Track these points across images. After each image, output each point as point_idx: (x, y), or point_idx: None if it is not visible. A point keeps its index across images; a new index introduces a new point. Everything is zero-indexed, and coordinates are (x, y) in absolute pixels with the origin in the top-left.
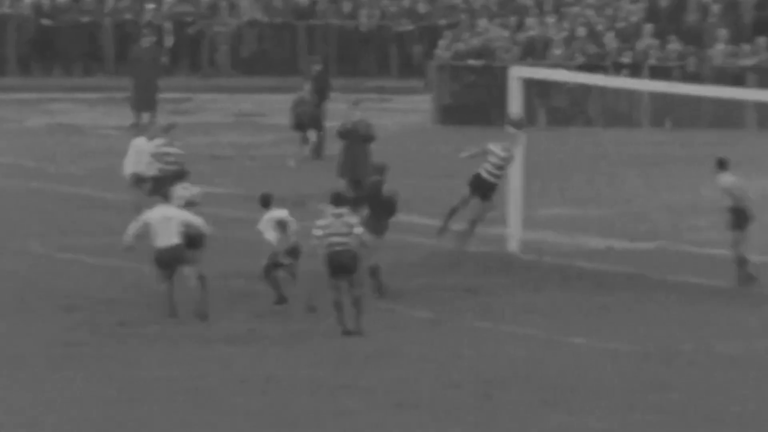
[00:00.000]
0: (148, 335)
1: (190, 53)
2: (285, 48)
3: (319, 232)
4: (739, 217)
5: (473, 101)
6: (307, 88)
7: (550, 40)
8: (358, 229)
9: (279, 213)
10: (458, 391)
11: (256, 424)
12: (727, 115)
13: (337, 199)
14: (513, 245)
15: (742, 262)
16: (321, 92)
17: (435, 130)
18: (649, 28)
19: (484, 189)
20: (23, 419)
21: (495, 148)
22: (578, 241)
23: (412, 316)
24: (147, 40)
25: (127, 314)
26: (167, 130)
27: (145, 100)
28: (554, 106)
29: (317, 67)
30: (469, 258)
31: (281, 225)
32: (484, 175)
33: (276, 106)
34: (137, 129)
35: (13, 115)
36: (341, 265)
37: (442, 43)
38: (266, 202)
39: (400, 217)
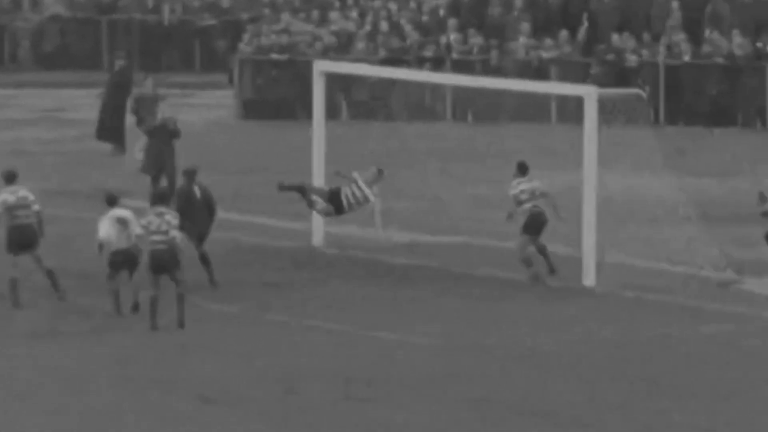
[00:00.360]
0: None
1: None
2: (88, 43)
3: (140, 231)
4: (532, 222)
5: (277, 96)
6: (148, 84)
7: (353, 34)
8: (174, 232)
9: (121, 212)
10: (262, 385)
11: (58, 420)
12: (529, 109)
13: (159, 198)
14: (317, 239)
15: (528, 263)
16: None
17: (239, 125)
18: (452, 22)
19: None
20: None
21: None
22: (383, 234)
23: (216, 310)
24: None
25: None
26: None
27: None
28: (357, 100)
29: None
30: (274, 252)
31: (122, 223)
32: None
33: (79, 101)
34: None
35: None
36: (161, 262)
37: (245, 37)
38: (111, 201)
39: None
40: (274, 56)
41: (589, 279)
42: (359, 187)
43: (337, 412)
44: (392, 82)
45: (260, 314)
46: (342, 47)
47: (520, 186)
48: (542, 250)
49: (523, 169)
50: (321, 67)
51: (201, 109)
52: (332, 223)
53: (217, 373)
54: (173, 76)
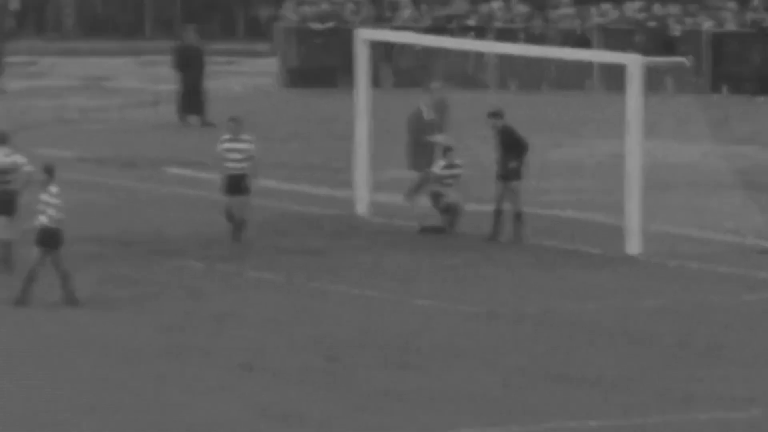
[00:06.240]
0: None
1: (36, 16)
2: (131, 11)
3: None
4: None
5: (320, 64)
6: (190, 34)
7: (398, 2)
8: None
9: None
10: (304, 353)
11: (99, 389)
12: (572, 77)
13: (49, 171)
14: (361, 208)
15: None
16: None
17: (282, 92)
18: None
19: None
20: None
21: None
22: (426, 202)
23: (256, 277)
24: None
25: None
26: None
27: None
28: (401, 68)
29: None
30: (316, 220)
31: None
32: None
33: (122, 69)
34: None
35: None
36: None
37: (288, 5)
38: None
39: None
40: (318, 25)
41: (632, 247)
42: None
43: (378, 380)
44: (436, 51)
45: (302, 282)
46: (386, 15)
47: None
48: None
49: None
50: (364, 35)
51: (244, 77)
52: (376, 191)
53: (258, 341)
54: (216, 44)
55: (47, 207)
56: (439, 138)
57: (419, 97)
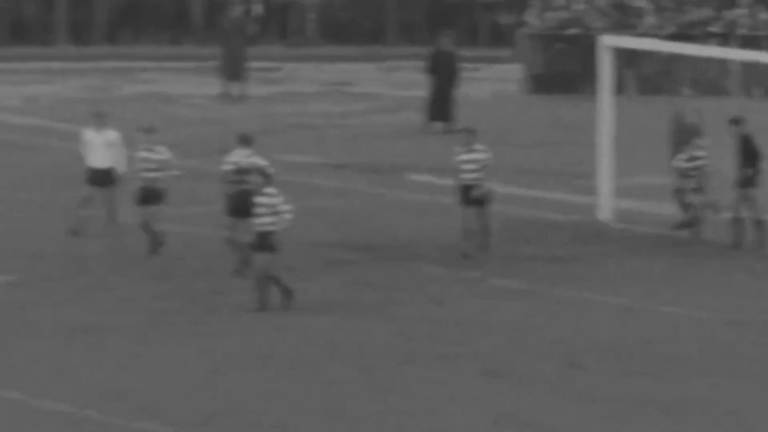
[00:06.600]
0: (239, 304)
1: (279, 22)
2: (373, 17)
3: None
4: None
5: (563, 70)
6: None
7: (642, 10)
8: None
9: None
10: (547, 360)
11: (346, 394)
12: None
13: (265, 174)
14: (603, 214)
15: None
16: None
17: (525, 99)
18: None
19: None
20: (111, 388)
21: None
22: (670, 209)
23: (499, 284)
24: (236, 9)
25: (218, 283)
26: (148, 131)
27: (233, 70)
28: (644, 75)
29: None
30: (558, 226)
31: None
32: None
33: (364, 74)
34: (226, 98)
35: (101, 84)
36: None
37: (531, 11)
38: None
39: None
40: (561, 31)
41: None
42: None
43: (619, 387)
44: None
45: (543, 288)
46: (629, 23)
47: None
48: None
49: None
50: (607, 41)
51: (487, 83)
52: (619, 198)
53: (500, 348)
54: (460, 51)
55: (268, 210)
56: (699, 142)
57: (667, 103)
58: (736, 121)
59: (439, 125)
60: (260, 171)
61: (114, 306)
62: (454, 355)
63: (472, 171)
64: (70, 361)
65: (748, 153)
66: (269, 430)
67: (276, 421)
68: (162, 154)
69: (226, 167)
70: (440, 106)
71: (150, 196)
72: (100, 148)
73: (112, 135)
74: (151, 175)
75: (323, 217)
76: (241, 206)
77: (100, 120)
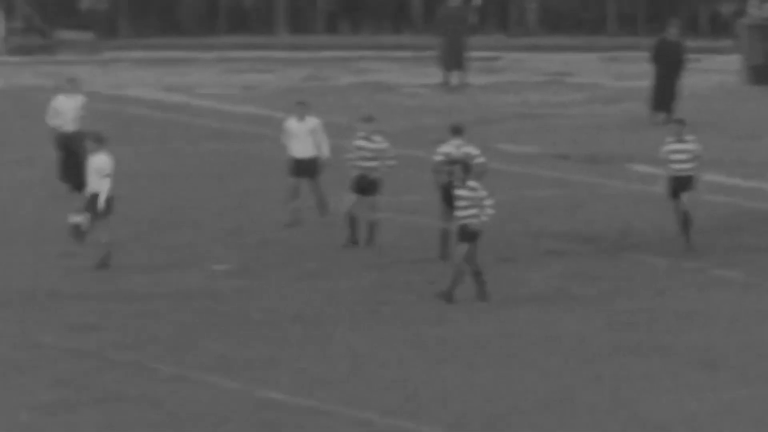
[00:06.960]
0: (455, 294)
1: (499, 12)
2: (594, 8)
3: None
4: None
5: None
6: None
7: None
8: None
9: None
10: (763, 352)
11: (560, 384)
12: None
13: (465, 168)
14: None
15: None
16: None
17: (746, 90)
18: None
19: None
20: (335, 375)
21: None
22: None
23: (719, 275)
24: (456, 0)
25: (435, 273)
26: (367, 120)
27: (453, 59)
28: None
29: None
30: None
31: None
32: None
33: (585, 65)
34: (446, 88)
35: (321, 73)
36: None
37: (752, 1)
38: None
39: (708, 177)
40: None
41: None
42: None
43: None
44: None
45: (763, 280)
46: None
47: None
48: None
49: None
50: None
51: (706, 74)
52: None
53: (720, 339)
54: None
55: (470, 203)
56: None
57: None
58: None
59: (662, 116)
60: (463, 164)
61: (329, 295)
62: (672, 347)
63: (682, 162)
64: (285, 351)
65: None
66: (495, 420)
67: (501, 411)
68: (379, 143)
69: (437, 158)
70: (663, 97)
71: (366, 186)
72: (303, 137)
73: (312, 122)
74: (367, 164)
75: (543, 208)
76: (451, 197)
77: (302, 109)
